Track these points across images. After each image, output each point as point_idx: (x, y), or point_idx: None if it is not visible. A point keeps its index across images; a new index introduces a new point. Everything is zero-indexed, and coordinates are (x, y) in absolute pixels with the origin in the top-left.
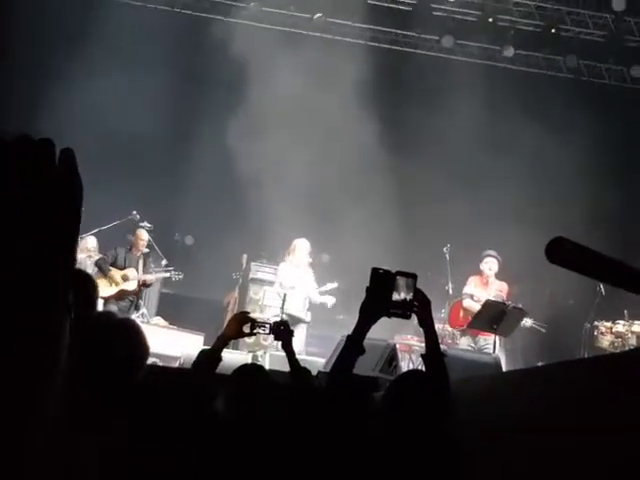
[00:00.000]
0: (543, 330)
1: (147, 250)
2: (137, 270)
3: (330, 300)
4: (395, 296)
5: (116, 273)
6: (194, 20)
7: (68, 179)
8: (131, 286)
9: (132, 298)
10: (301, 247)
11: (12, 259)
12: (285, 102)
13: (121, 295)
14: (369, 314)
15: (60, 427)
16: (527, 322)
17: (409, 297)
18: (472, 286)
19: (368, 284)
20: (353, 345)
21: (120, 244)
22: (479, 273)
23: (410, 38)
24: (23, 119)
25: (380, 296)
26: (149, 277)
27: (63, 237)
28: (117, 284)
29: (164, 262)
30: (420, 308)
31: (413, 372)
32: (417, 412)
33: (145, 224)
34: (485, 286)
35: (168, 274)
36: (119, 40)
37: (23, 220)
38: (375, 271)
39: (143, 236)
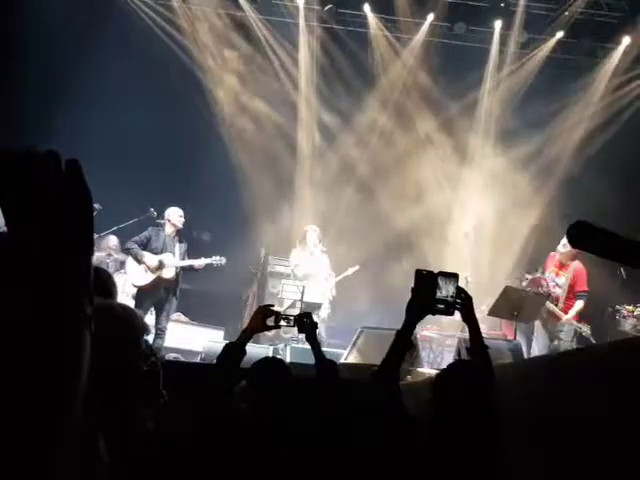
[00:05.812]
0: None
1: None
2: (174, 254)
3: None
4: (438, 294)
5: (151, 259)
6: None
7: (75, 189)
8: (168, 273)
9: (169, 286)
10: (311, 233)
11: (25, 276)
12: (302, 97)
13: (157, 284)
14: (415, 312)
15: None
16: (586, 331)
17: (451, 294)
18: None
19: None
20: (402, 341)
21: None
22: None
23: (422, 26)
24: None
25: (424, 295)
26: (198, 262)
27: (76, 251)
28: (153, 271)
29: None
30: (463, 305)
31: (463, 362)
32: (471, 400)
33: (162, 221)
34: (559, 268)
35: (211, 260)
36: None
37: (36, 233)
38: (419, 272)
39: (180, 212)
